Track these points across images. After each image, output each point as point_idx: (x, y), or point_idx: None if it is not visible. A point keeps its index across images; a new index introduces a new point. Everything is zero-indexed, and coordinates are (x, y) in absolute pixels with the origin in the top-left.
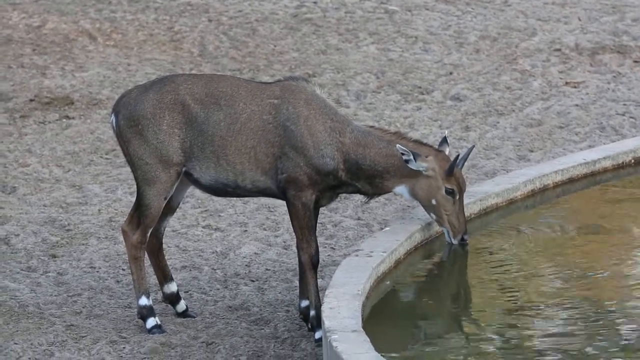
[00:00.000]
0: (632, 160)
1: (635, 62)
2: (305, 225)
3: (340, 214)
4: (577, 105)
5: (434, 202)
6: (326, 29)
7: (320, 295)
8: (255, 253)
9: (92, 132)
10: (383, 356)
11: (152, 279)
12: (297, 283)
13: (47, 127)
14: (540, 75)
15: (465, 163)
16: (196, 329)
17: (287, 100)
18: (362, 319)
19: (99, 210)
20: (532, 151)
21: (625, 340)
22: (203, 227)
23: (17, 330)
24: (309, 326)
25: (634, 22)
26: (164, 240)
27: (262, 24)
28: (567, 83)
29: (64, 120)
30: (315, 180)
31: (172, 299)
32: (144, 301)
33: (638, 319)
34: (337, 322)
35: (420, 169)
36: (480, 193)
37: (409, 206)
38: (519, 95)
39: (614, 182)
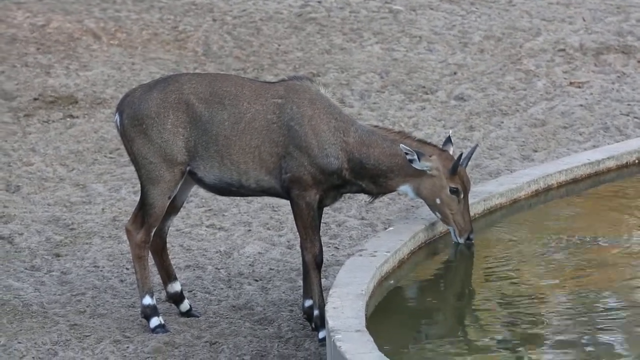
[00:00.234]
0: (637, 161)
1: None
2: (309, 225)
3: (344, 213)
4: (581, 105)
5: (438, 201)
6: (330, 28)
7: (324, 294)
8: (259, 252)
9: (96, 131)
10: (387, 356)
11: (156, 278)
12: (300, 283)
13: (51, 126)
14: (544, 75)
15: (469, 162)
16: (200, 329)
17: (291, 99)
18: (366, 318)
19: (103, 209)
20: (536, 151)
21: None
22: (207, 227)
23: (21, 330)
24: (313, 326)
25: (638, 22)
26: (167, 240)
27: (266, 23)
28: (571, 83)
29: (68, 119)
30: (319, 180)
31: (176, 299)
32: (147, 300)
33: None
34: (341, 321)
35: (424, 168)
36: (484, 193)
37: (412, 206)
38: (523, 95)
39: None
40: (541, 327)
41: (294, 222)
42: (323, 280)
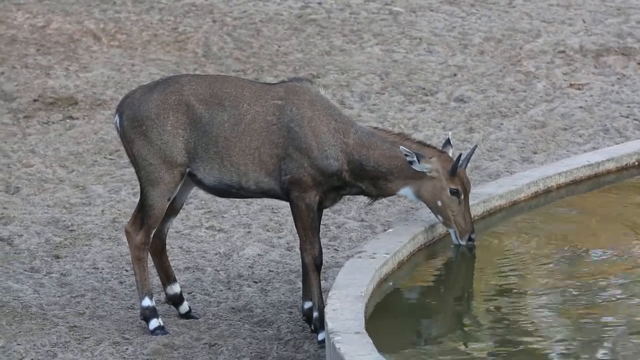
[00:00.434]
0: (636, 162)
1: None
2: (308, 227)
3: (344, 215)
4: (581, 107)
5: (439, 203)
6: (330, 30)
7: (324, 296)
8: (258, 254)
9: (96, 133)
10: (386, 358)
11: (155, 280)
12: (300, 284)
13: (51, 127)
14: (544, 77)
15: (469, 164)
16: (199, 330)
17: (291, 101)
18: (365, 320)
19: (103, 210)
20: (535, 153)
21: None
22: (206, 228)
23: (20, 331)
24: (312, 328)
25: (638, 24)
26: (167, 241)
27: (266, 24)
28: (571, 85)
29: (68, 120)
30: (319, 182)
31: (175, 300)
32: (147, 302)
33: None
34: (340, 323)
35: (424, 170)
36: (483, 195)
37: (412, 208)
38: (523, 97)
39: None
40: (540, 328)
41: (294, 223)
42: (322, 282)
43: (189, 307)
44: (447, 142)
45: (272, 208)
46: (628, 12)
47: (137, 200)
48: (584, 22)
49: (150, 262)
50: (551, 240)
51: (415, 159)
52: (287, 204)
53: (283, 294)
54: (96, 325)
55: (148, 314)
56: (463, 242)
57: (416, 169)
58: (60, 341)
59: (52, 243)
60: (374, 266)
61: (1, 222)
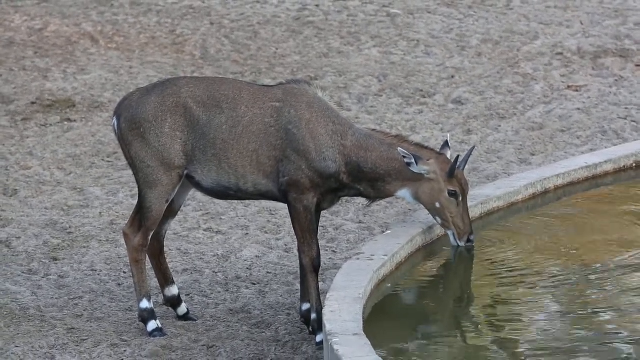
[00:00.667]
0: (634, 164)
1: (638, 66)
2: (306, 229)
3: (342, 217)
4: (579, 109)
5: (437, 205)
6: (328, 32)
7: (322, 298)
8: (256, 256)
9: (94, 135)
10: (384, 359)
11: (153, 281)
12: (298, 286)
13: (49, 129)
14: (542, 78)
15: (467, 166)
16: (197, 332)
17: (289, 103)
18: (363, 322)
19: (100, 213)
20: (533, 155)
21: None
22: (204, 230)
23: (18, 333)
24: (310, 329)
25: (636, 26)
26: (165, 243)
27: (264, 27)
28: (569, 87)
29: (66, 123)
30: (317, 183)
31: (173, 302)
32: (145, 304)
33: None
34: (338, 325)
35: (422, 172)
36: (481, 196)
37: (410, 210)
38: (520, 99)
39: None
40: (538, 330)
41: (292, 225)
42: (320, 284)
43: (187, 308)
44: (445, 144)
45: (270, 210)
46: (626, 14)
47: (135, 202)
48: (582, 24)
49: (148, 264)
50: (549, 242)
51: (413, 160)
52: (285, 206)
53: (281, 296)
54: (94, 327)
55: (146, 316)
56: (462, 244)
57: (414, 170)
58: (58, 343)
59: (50, 245)
60: (372, 268)
61: None
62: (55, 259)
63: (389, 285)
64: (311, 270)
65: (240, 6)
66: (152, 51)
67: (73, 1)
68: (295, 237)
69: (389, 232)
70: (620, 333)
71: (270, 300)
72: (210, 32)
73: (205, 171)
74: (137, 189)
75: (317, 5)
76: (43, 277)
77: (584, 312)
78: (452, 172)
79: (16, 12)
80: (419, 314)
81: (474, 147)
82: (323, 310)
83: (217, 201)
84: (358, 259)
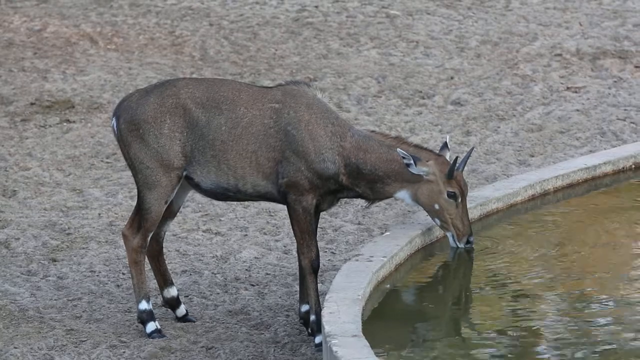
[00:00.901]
0: (633, 166)
1: (636, 67)
2: (305, 230)
3: (341, 218)
4: (578, 110)
5: (437, 206)
6: (327, 33)
7: (321, 299)
8: (255, 257)
9: (93, 136)
10: None
11: (152, 283)
12: (297, 287)
13: (48, 130)
14: (541, 80)
15: (466, 167)
16: (196, 334)
17: (288, 104)
18: (362, 323)
19: (99, 214)
20: (532, 156)
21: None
22: (203, 232)
23: (17, 335)
24: (309, 331)
25: (635, 27)
26: (164, 245)
27: (263, 28)
28: (568, 88)
29: (65, 124)
30: (316, 185)
31: (172, 303)
32: (144, 305)
33: None
34: (337, 326)
35: (421, 173)
36: (480, 198)
37: (409, 211)
38: (519, 100)
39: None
40: (537, 331)
41: (291, 227)
42: (319, 285)
43: (186, 310)
44: (444, 145)
45: (269, 211)
46: (625, 15)
47: (134, 203)
48: (581, 25)
49: (147, 266)
50: (548, 243)
51: (412, 162)
52: (284, 207)
53: (280, 297)
54: (93, 329)
55: (145, 317)
56: (461, 245)
57: (413, 172)
58: (57, 344)
59: (49, 246)
60: (371, 269)
61: None
62: (54, 260)
63: (388, 286)
64: (310, 272)
65: (240, 7)
66: (151, 52)
67: (72, 2)
68: (294, 238)
69: (388, 233)
70: (620, 338)
71: (269, 301)
72: (209, 33)
73: (204, 172)
74: (136, 190)
75: (316, 7)
76: (42, 278)
77: (586, 313)
78: (451, 173)
79: (15, 12)
80: (418, 316)
81: (473, 148)
82: (322, 311)
83: (216, 202)
84: (357, 260)
